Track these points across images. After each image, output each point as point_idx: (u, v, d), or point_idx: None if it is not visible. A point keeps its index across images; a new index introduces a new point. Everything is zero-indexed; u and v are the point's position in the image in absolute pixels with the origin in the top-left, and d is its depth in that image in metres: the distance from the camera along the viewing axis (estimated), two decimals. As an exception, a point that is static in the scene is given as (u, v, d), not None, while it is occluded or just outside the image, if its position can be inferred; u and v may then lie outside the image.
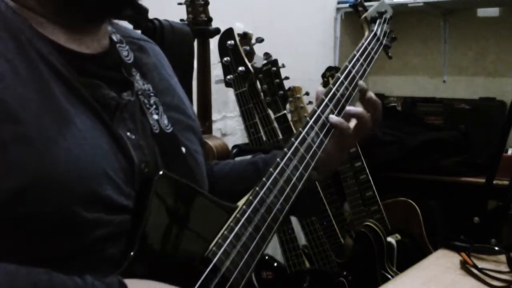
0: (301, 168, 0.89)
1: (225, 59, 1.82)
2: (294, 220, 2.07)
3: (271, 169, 0.85)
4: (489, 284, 1.07)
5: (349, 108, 1.00)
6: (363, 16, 1.20)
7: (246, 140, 2.00)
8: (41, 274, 0.62)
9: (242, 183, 1.00)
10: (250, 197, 0.81)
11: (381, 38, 1.18)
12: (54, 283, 0.62)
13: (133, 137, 0.78)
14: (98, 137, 0.72)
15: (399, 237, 2.24)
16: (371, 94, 1.02)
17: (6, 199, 0.63)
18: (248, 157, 1.15)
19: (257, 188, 0.83)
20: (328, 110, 0.97)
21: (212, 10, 1.82)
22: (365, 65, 1.08)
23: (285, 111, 2.10)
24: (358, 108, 1.01)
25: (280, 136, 2.00)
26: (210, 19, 1.81)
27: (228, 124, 2.54)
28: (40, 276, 0.62)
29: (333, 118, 0.97)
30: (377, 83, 3.36)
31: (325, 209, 2.20)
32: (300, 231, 2.12)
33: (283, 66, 2.14)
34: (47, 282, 0.62)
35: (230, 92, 1.94)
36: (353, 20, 3.16)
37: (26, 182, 0.64)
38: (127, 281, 0.66)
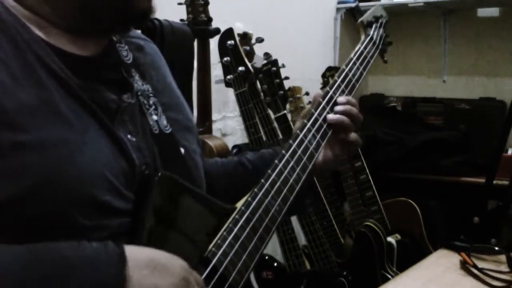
0: (298, 170, 0.90)
1: (225, 59, 1.82)
2: (294, 220, 2.07)
3: (269, 171, 0.86)
4: (489, 284, 1.07)
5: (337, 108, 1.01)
6: (360, 20, 1.22)
7: (246, 140, 2.00)
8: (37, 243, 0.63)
9: (231, 184, 1.01)
10: (249, 198, 0.82)
11: (377, 42, 1.20)
12: (49, 246, 0.63)
13: (134, 139, 0.78)
14: (99, 141, 0.72)
15: (399, 237, 2.24)
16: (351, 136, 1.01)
17: (5, 205, 0.63)
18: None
19: (255, 190, 0.83)
20: (325, 113, 0.99)
21: (212, 10, 1.82)
22: (361, 69, 1.10)
23: (285, 111, 2.10)
24: (345, 106, 1.01)
25: (280, 136, 2.00)
26: (210, 19, 1.81)
27: (228, 124, 2.54)
28: (35, 244, 0.63)
29: (330, 116, 0.98)
30: (377, 83, 3.37)
31: (325, 209, 2.20)
32: (300, 231, 2.12)
33: (283, 66, 2.13)
34: (42, 246, 0.62)
35: (230, 92, 1.94)
36: (353, 20, 3.16)
37: (26, 188, 0.64)
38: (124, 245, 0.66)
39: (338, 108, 1.00)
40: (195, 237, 0.76)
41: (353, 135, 1.01)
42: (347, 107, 1.00)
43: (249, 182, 0.90)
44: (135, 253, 0.66)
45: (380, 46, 1.21)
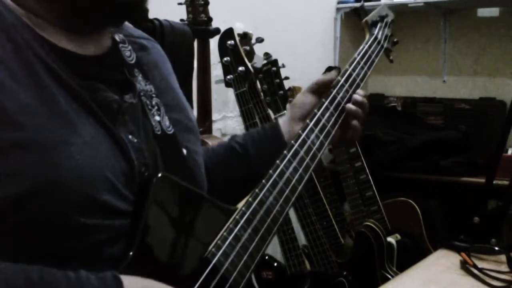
0: (300, 170, 0.90)
1: (225, 59, 1.82)
2: (294, 220, 2.07)
3: (270, 171, 0.86)
4: (489, 284, 1.06)
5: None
6: (364, 20, 1.21)
7: (246, 140, 2.00)
8: (34, 269, 0.62)
9: (224, 171, 1.02)
10: (250, 199, 0.82)
11: (382, 41, 1.19)
12: (46, 275, 0.62)
13: (135, 140, 0.77)
14: (99, 141, 0.72)
15: (399, 237, 2.24)
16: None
17: (6, 205, 0.63)
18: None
19: (256, 190, 0.83)
20: (328, 113, 0.98)
21: (212, 10, 1.82)
22: (365, 68, 1.09)
23: (285, 111, 2.09)
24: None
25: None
26: (210, 19, 1.81)
27: (228, 124, 2.54)
28: (32, 272, 0.62)
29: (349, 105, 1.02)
30: (377, 83, 3.37)
31: (325, 209, 2.20)
32: (300, 231, 2.12)
33: (283, 66, 2.13)
34: (38, 275, 0.62)
35: (230, 92, 1.94)
36: (353, 20, 3.16)
37: (26, 188, 0.64)
38: (122, 276, 0.66)
39: (357, 98, 1.03)
40: (195, 238, 0.76)
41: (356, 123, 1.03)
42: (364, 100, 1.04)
43: (241, 166, 0.93)
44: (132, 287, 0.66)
45: (385, 46, 1.19)
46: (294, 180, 0.88)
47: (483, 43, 3.06)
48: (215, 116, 2.27)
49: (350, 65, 1.08)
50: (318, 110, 0.97)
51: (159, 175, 0.74)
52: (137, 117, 0.80)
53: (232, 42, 1.81)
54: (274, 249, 2.26)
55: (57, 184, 0.65)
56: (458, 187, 2.62)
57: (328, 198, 2.36)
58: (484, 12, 3.04)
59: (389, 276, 2.07)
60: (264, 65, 2.08)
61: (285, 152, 0.89)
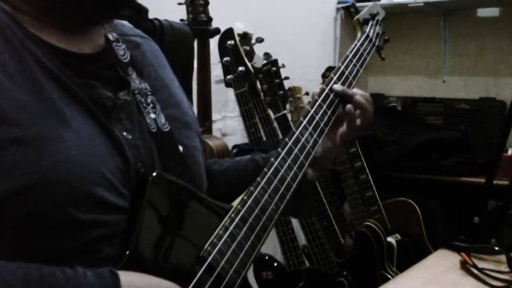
0: (295, 168, 0.90)
1: (225, 59, 1.82)
2: (294, 220, 2.07)
3: (265, 169, 0.86)
4: (489, 284, 1.07)
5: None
6: (356, 18, 1.23)
7: (246, 140, 2.00)
8: (32, 267, 0.63)
9: (241, 179, 1.01)
10: (245, 197, 0.82)
11: (373, 39, 1.20)
12: (44, 273, 0.63)
13: (130, 137, 0.77)
14: (95, 138, 0.72)
15: (399, 237, 2.24)
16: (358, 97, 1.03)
17: (3, 201, 0.63)
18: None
19: (251, 188, 0.83)
20: (321, 111, 0.99)
21: (212, 10, 1.82)
22: (357, 66, 1.11)
23: (285, 111, 2.10)
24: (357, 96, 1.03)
25: (280, 136, 2.00)
26: (210, 19, 1.81)
27: (228, 124, 2.54)
28: (30, 269, 0.62)
29: (338, 86, 1.01)
30: (377, 83, 3.37)
31: (325, 209, 2.20)
32: (300, 231, 2.12)
33: (283, 66, 2.14)
34: (37, 273, 0.62)
35: (230, 92, 1.94)
36: (349, 17, 3.16)
37: (23, 184, 0.64)
38: (119, 272, 0.67)
39: (358, 98, 1.03)
40: (191, 237, 0.76)
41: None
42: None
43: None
44: (130, 284, 0.66)
45: (376, 43, 1.21)
46: (288, 178, 0.88)
47: (483, 43, 3.06)
48: (215, 116, 2.27)
49: (342, 63, 1.09)
50: (312, 108, 0.98)
51: (154, 173, 0.74)
52: (132, 115, 0.80)
53: (232, 42, 1.81)
54: (274, 249, 2.26)
55: (53, 180, 0.66)
56: (458, 187, 2.62)
57: (328, 198, 2.36)
58: (484, 12, 3.04)
59: (389, 276, 2.07)
60: (264, 65, 2.08)
61: (279, 149, 0.90)
